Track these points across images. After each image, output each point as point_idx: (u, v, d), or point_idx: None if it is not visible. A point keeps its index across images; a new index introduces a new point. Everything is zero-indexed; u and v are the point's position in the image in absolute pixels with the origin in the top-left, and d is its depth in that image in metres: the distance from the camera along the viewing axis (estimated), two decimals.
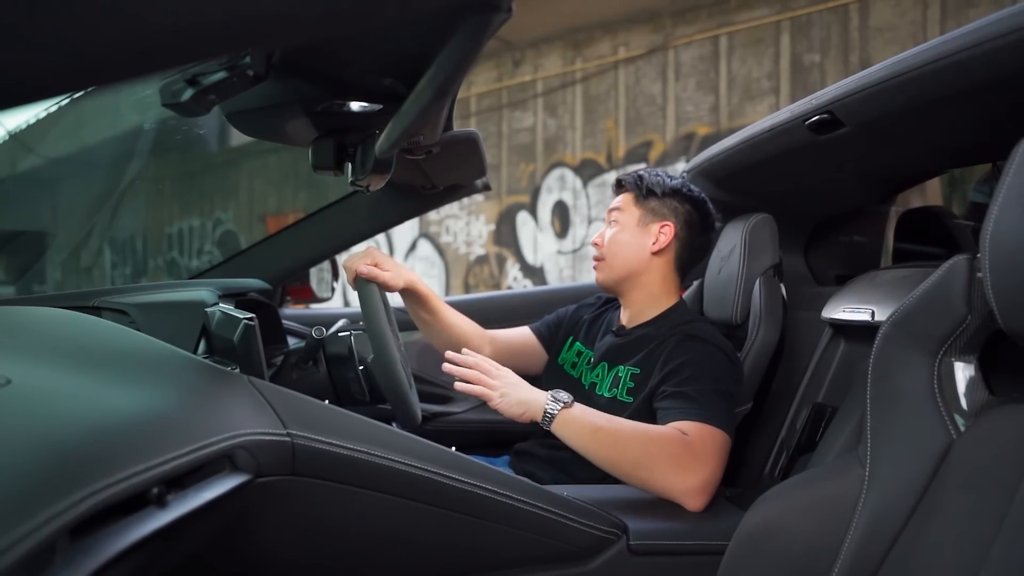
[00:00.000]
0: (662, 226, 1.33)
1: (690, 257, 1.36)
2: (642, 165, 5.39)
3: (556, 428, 1.09)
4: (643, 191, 1.36)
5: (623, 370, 1.27)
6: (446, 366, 1.14)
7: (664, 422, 1.12)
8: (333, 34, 0.62)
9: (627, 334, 1.33)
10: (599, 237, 1.38)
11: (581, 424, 1.08)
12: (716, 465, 1.08)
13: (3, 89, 0.29)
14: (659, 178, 1.36)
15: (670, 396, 1.16)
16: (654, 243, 1.33)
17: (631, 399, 1.23)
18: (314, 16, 0.32)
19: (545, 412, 1.08)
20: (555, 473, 1.25)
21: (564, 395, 1.11)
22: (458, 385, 1.11)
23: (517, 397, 1.10)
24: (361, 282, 1.17)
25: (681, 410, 1.12)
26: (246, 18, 0.30)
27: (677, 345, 1.22)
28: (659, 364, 1.21)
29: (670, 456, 1.05)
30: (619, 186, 1.41)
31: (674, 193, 1.35)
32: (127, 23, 0.28)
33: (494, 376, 1.12)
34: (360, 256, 1.22)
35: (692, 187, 1.38)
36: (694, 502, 1.05)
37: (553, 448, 1.30)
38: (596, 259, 1.37)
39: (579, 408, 1.10)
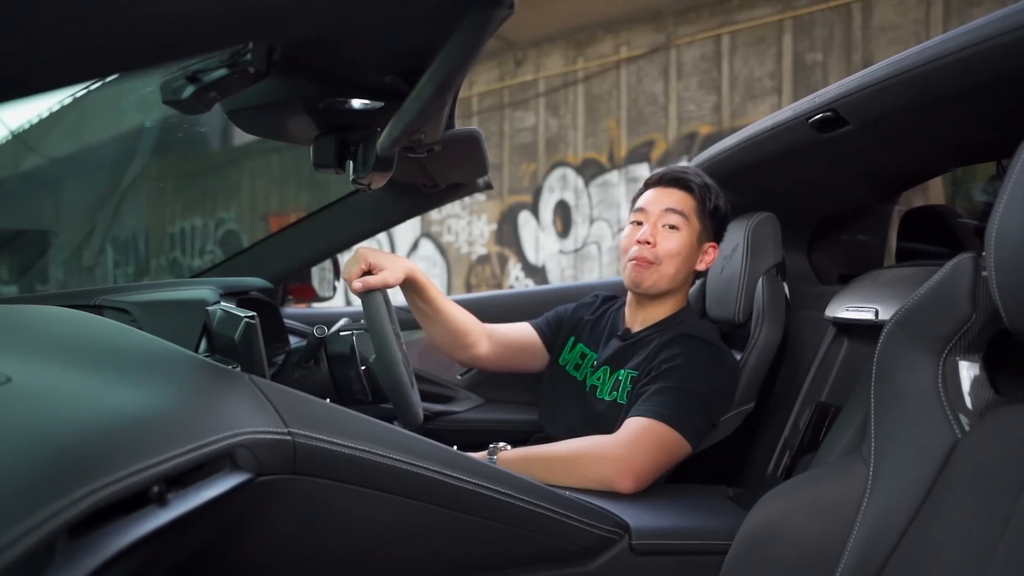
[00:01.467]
0: (710, 246, 1.32)
1: None
2: (644, 165, 5.39)
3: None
4: (709, 205, 1.29)
5: (623, 373, 1.27)
6: None
7: (629, 416, 1.15)
8: (334, 28, 0.61)
9: (631, 337, 1.33)
10: (650, 235, 1.26)
11: (515, 462, 1.12)
12: (644, 451, 1.10)
13: (1, 82, 0.29)
14: (719, 194, 1.31)
15: (640, 394, 1.18)
16: (700, 262, 1.31)
17: (628, 401, 1.23)
18: (315, 10, 0.32)
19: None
20: None
21: (500, 445, 1.17)
22: None
23: None
24: None
25: (636, 408, 1.15)
26: (246, 11, 0.29)
27: (670, 343, 1.23)
28: (650, 362, 1.22)
29: (591, 465, 1.09)
30: (680, 185, 1.29)
31: (725, 215, 1.33)
32: (124, 15, 0.28)
33: None
34: (353, 263, 1.15)
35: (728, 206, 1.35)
36: (622, 482, 1.07)
37: None
38: (645, 261, 1.26)
39: (510, 452, 1.16)
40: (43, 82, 0.32)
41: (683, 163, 5.01)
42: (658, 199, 1.29)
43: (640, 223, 1.30)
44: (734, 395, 1.28)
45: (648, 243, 1.26)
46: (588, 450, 1.12)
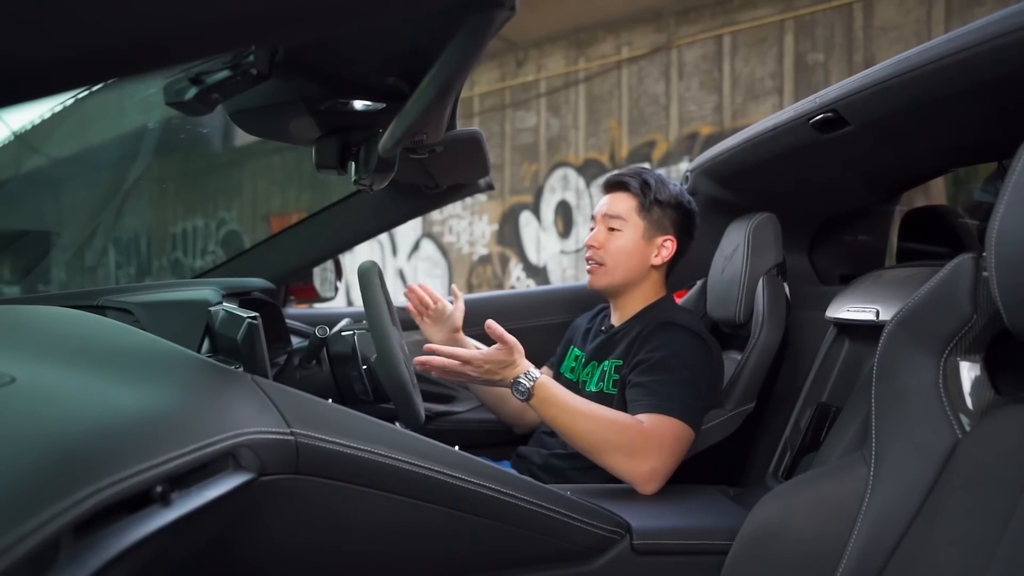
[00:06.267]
0: (665, 240, 1.34)
1: (678, 261, 1.38)
2: (645, 165, 5.38)
3: (531, 403, 1.13)
4: (648, 201, 1.32)
5: (607, 364, 1.30)
6: (420, 359, 1.15)
7: (631, 412, 1.16)
8: (338, 31, 0.62)
9: (614, 331, 1.35)
10: (595, 240, 1.34)
11: (551, 402, 1.13)
12: (669, 454, 1.12)
13: (4, 84, 0.30)
14: (665, 187, 1.34)
15: (636, 386, 1.20)
16: (656, 256, 1.34)
17: (616, 391, 1.26)
18: (318, 12, 0.32)
19: (517, 384, 1.13)
20: (554, 479, 1.26)
21: (535, 372, 1.15)
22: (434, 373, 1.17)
23: (496, 378, 1.14)
24: (363, 279, 1.16)
25: (642, 402, 1.16)
26: (249, 14, 0.30)
27: (652, 333, 1.24)
28: (633, 352, 1.24)
29: (624, 443, 1.11)
30: (620, 187, 1.36)
31: (677, 205, 1.34)
32: (129, 18, 0.28)
33: (466, 370, 1.14)
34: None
35: (688, 196, 1.38)
36: (646, 487, 1.11)
37: (552, 456, 1.30)
38: (594, 262, 1.35)
39: (549, 388, 1.14)
40: (47, 86, 0.32)
41: (684, 164, 5.01)
42: (603, 204, 1.37)
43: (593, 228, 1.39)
44: (721, 381, 1.31)
45: (595, 247, 1.34)
46: (627, 438, 1.12)
